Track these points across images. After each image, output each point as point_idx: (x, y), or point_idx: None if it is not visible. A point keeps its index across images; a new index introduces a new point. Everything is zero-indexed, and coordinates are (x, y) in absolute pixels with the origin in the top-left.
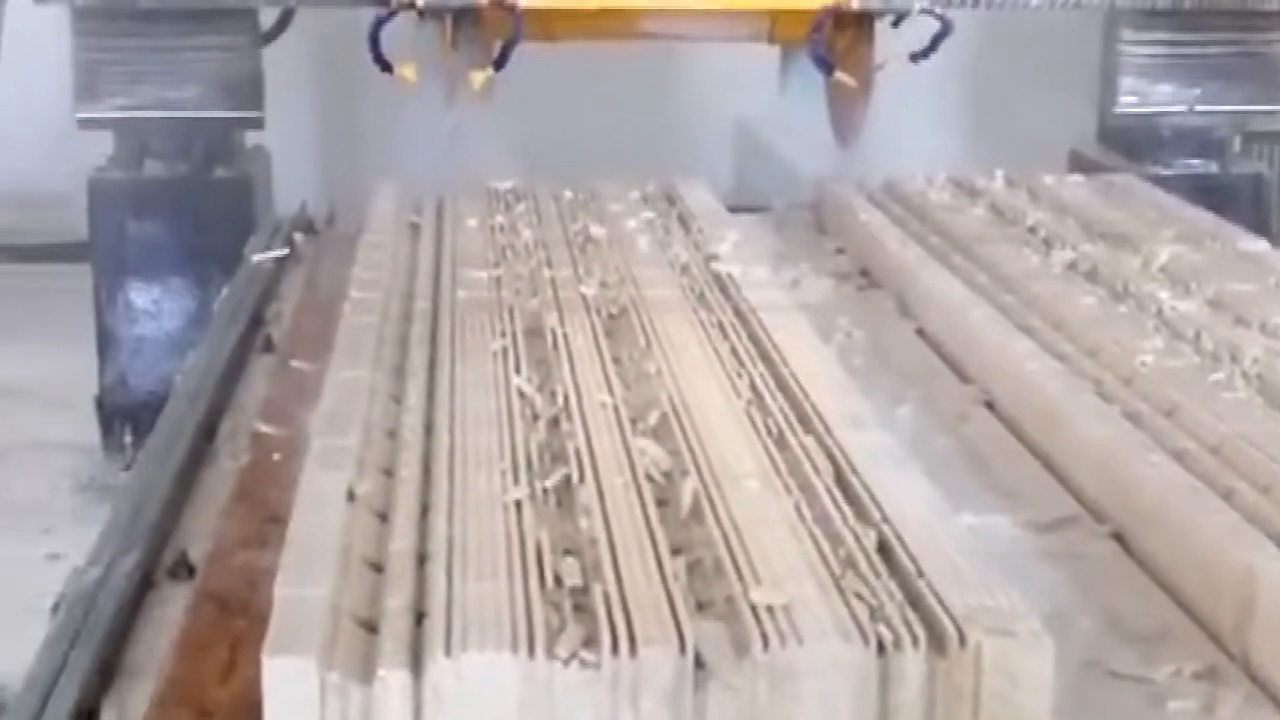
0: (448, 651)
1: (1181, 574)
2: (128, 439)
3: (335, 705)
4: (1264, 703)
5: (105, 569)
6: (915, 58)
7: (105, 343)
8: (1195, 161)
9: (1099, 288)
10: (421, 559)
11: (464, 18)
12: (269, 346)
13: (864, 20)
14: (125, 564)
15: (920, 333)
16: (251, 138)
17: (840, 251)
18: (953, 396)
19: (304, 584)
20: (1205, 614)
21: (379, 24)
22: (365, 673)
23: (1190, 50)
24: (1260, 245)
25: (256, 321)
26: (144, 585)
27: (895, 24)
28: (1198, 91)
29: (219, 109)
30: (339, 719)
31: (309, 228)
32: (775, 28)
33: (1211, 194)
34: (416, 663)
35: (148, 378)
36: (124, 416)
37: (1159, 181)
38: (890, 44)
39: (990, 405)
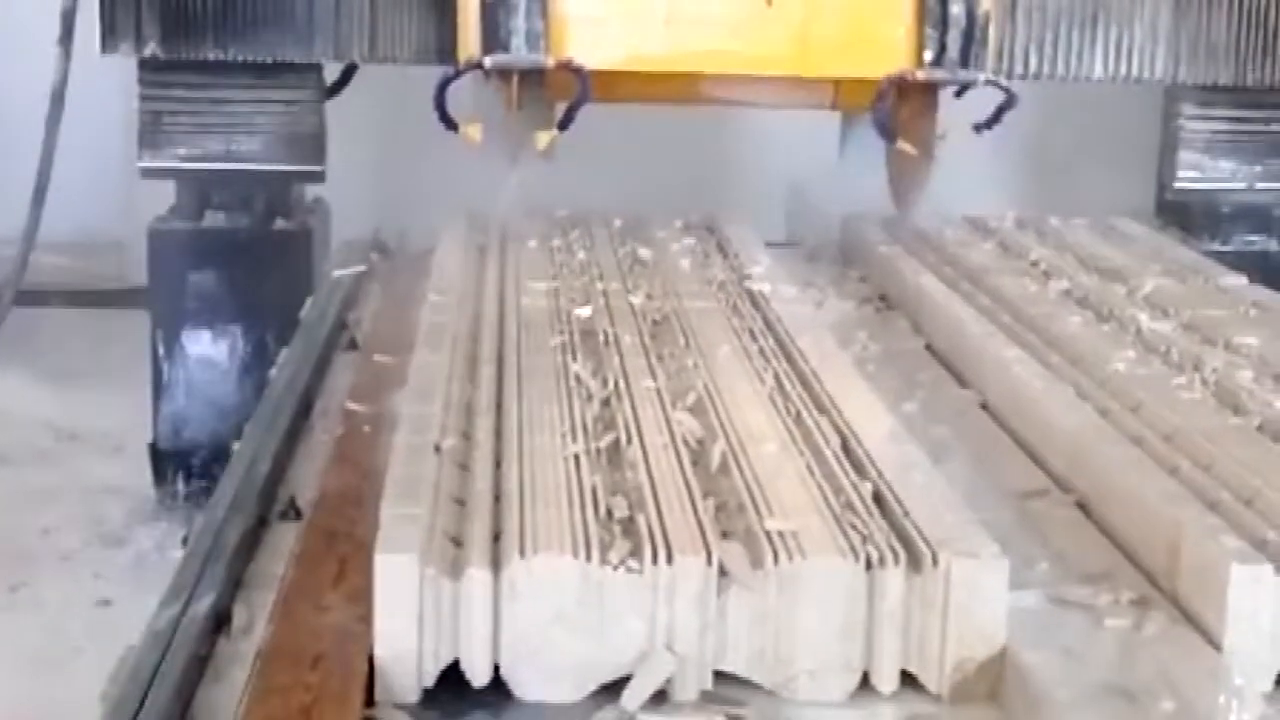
0: (522, 554)
1: (1128, 531)
2: (180, 486)
3: (431, 595)
4: (1184, 623)
5: (226, 510)
6: (979, 128)
7: (160, 389)
8: (1254, 238)
9: (1087, 311)
10: (497, 498)
11: (529, 78)
12: (353, 345)
13: (928, 90)
14: (244, 506)
15: (929, 348)
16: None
17: (862, 280)
18: (953, 398)
19: (404, 507)
20: (1144, 560)
21: (445, 83)
22: (455, 571)
23: (1252, 127)
24: (1240, 280)
25: (340, 326)
26: (260, 524)
27: (959, 94)
28: (1259, 169)
29: (281, 162)
30: (434, 606)
31: (383, 249)
32: (838, 95)
33: (1270, 272)
34: (496, 565)
35: (202, 425)
36: (177, 463)
37: (1216, 258)
38: (953, 114)
39: (985, 406)
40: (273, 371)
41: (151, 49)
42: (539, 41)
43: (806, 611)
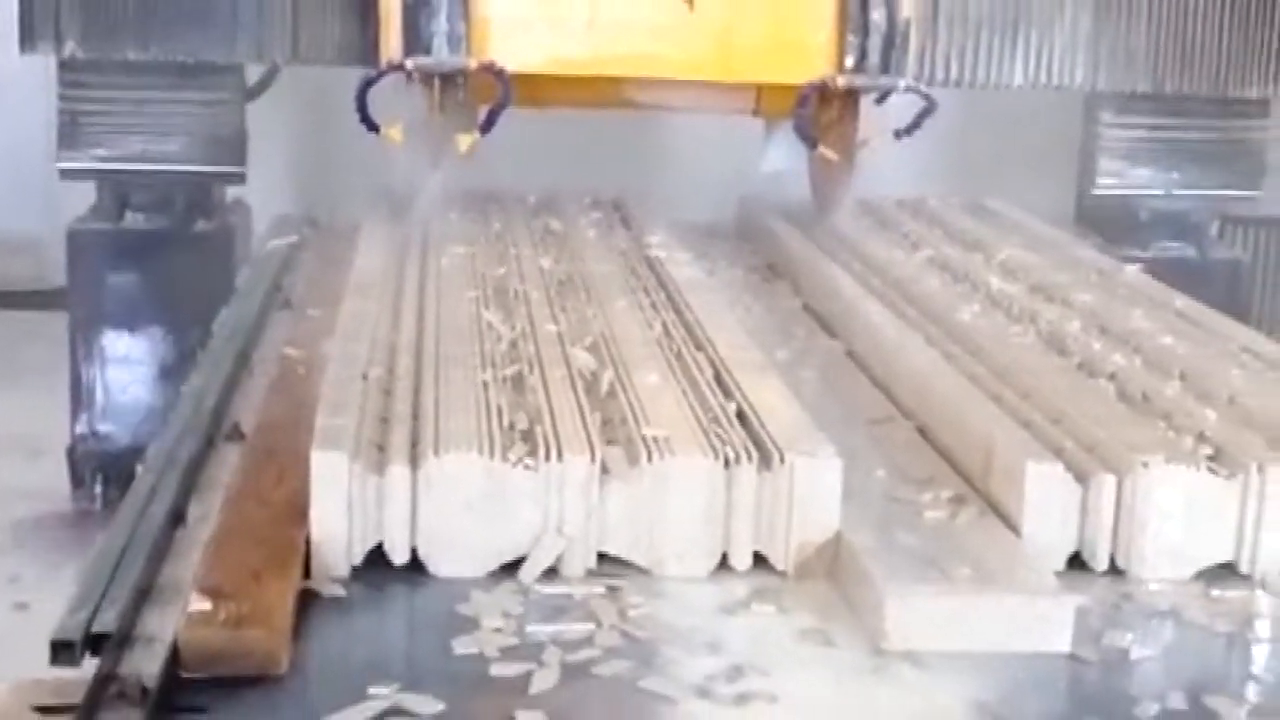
0: (436, 453)
1: (954, 446)
2: (98, 489)
3: (358, 488)
4: (992, 515)
5: (179, 433)
6: (899, 134)
7: (79, 391)
8: (1173, 245)
9: (946, 275)
10: (415, 416)
11: (451, 81)
12: (287, 304)
13: (849, 96)
14: (193, 431)
15: (806, 307)
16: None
17: (754, 252)
18: (822, 347)
19: (336, 419)
20: (965, 468)
21: (367, 85)
22: (379, 468)
23: (1169, 134)
24: (1091, 253)
25: (275, 288)
26: (207, 445)
27: (880, 101)
28: (1176, 175)
29: (201, 163)
30: (360, 497)
31: (314, 223)
32: (761, 101)
33: (1189, 278)
34: (414, 463)
35: (120, 428)
36: (95, 466)
37: (1135, 264)
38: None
39: (850, 354)
40: (214, 327)
41: (71, 49)
42: (461, 44)
43: (675, 502)
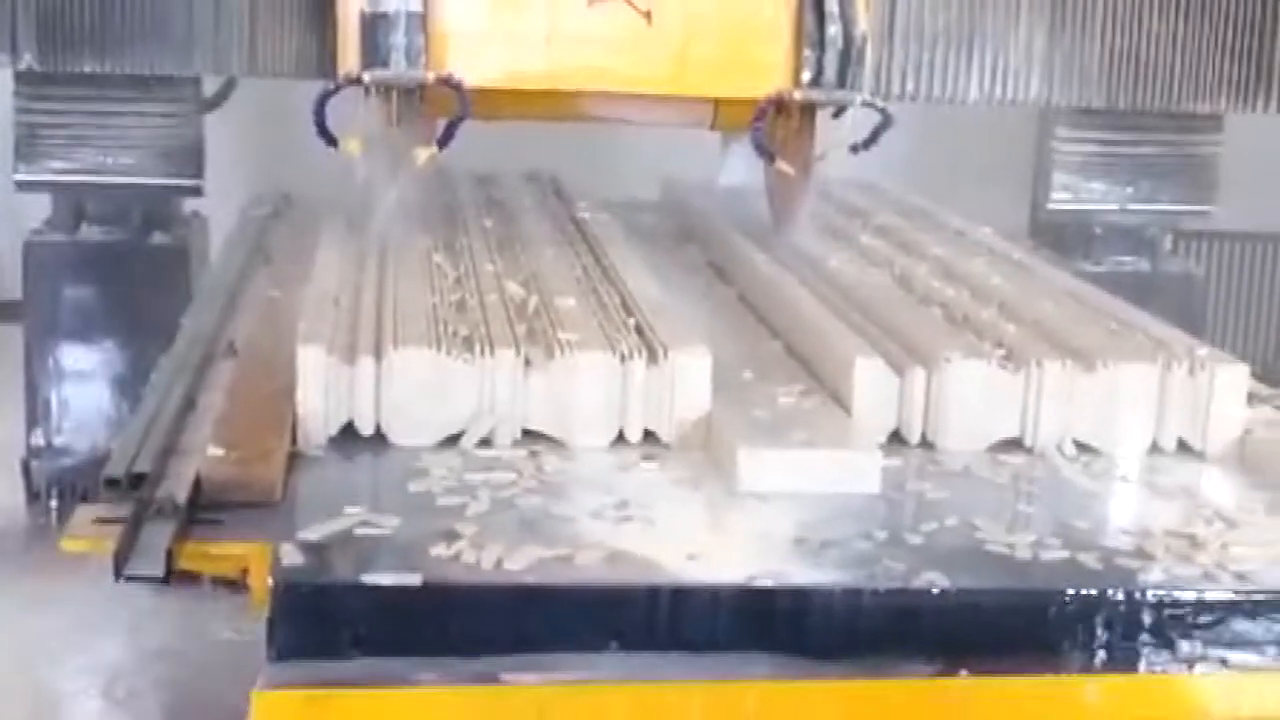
0: (395, 348)
1: (809, 356)
2: (53, 503)
3: (334, 375)
4: (831, 402)
5: (184, 351)
6: (855, 149)
7: (34, 405)
8: (1126, 259)
9: (827, 235)
10: (378, 326)
11: (409, 94)
12: (268, 259)
13: (806, 111)
14: (194, 348)
15: (710, 264)
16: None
17: (671, 222)
18: (719, 293)
19: (315, 326)
20: (815, 371)
21: (324, 98)
22: (351, 360)
23: (1123, 150)
24: (958, 220)
25: (255, 249)
26: (206, 360)
27: (836, 115)
28: (1130, 190)
29: (158, 176)
30: (335, 383)
31: (288, 199)
32: (718, 115)
33: (1142, 292)
34: (378, 356)
35: (76, 442)
36: (50, 481)
37: (1089, 278)
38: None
39: (741, 298)
40: (202, 281)
41: (27, 61)
42: (419, 58)
43: (582, 389)
